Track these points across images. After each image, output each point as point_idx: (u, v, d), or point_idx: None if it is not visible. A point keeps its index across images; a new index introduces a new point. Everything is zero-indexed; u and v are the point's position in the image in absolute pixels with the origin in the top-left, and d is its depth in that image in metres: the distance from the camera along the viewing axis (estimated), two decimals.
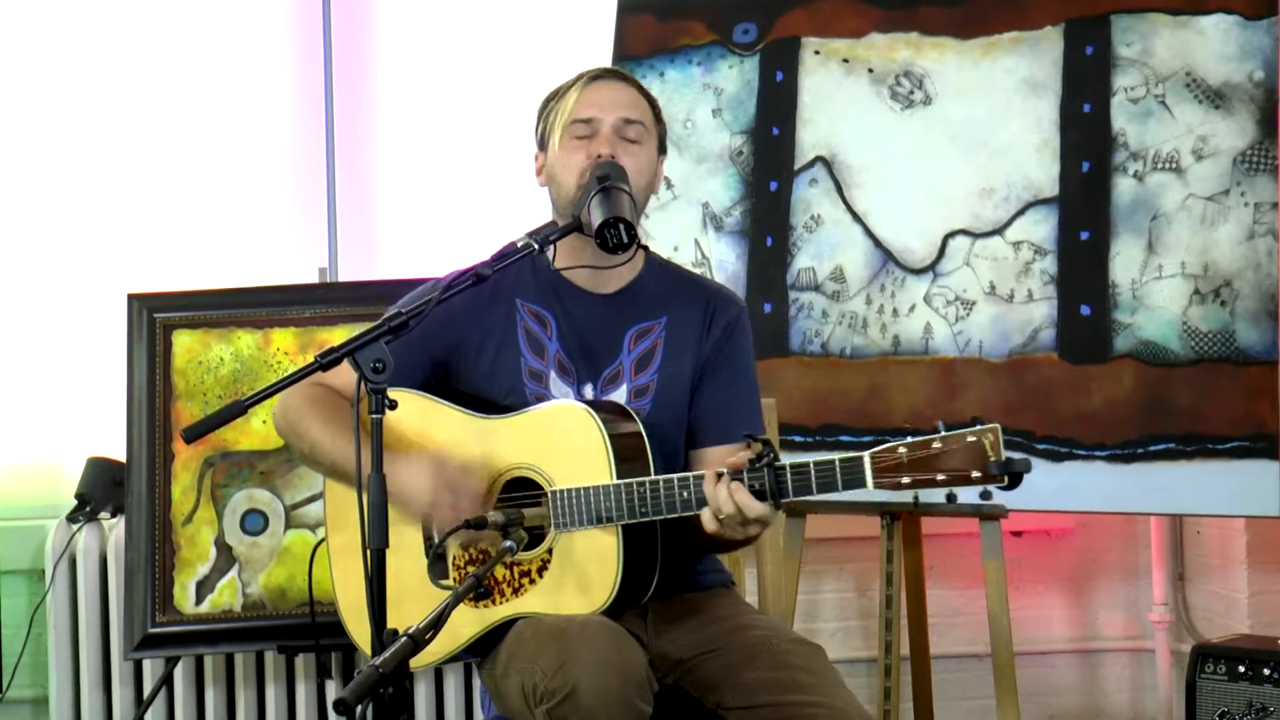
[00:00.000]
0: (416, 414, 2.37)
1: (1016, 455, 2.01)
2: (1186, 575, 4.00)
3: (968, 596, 4.00)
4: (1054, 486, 3.22)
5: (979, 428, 2.02)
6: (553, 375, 2.40)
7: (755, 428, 2.46)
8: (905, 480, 2.04)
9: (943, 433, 2.04)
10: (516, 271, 2.39)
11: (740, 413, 2.44)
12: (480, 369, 2.42)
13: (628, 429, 2.29)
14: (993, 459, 2.00)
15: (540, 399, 2.38)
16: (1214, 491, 3.14)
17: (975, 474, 2.01)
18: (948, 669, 3.92)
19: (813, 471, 2.11)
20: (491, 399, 2.40)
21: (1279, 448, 3.09)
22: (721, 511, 2.14)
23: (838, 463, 2.09)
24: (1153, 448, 3.18)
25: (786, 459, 2.15)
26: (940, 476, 2.03)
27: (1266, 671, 3.22)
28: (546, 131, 2.46)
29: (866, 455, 2.07)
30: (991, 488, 2.02)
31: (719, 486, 2.15)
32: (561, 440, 2.28)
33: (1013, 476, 2.00)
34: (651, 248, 2.54)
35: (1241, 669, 3.25)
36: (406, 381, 2.39)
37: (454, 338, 2.42)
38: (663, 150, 2.50)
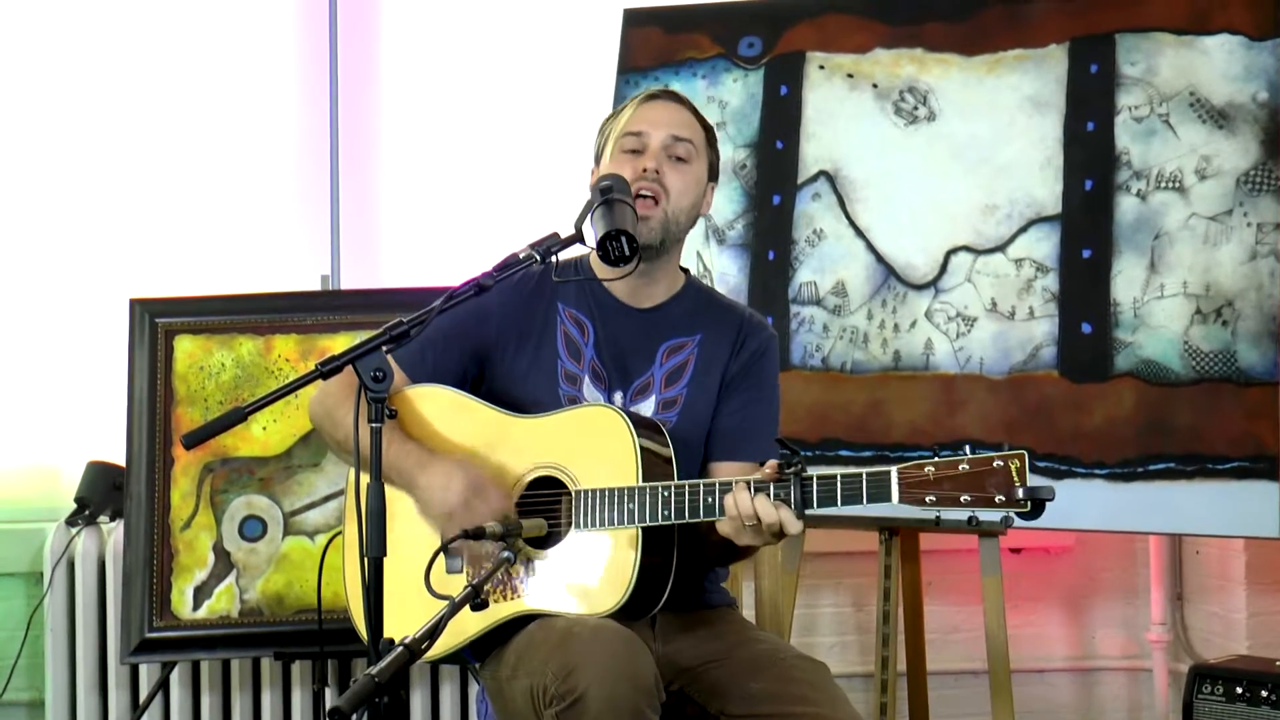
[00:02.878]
0: (448, 409, 2.39)
1: (1042, 483, 2.00)
2: (1185, 595, 3.99)
3: (965, 613, 4.00)
4: (1053, 504, 3.20)
5: (1007, 452, 2.02)
6: (587, 380, 2.44)
7: (766, 452, 2.47)
8: (930, 498, 2.05)
9: (970, 454, 2.04)
10: (561, 275, 2.45)
11: (754, 434, 2.47)
12: (518, 367, 2.45)
13: (658, 442, 2.31)
14: (1018, 484, 2.01)
15: (573, 401, 2.42)
16: (1213, 512, 3.13)
17: (999, 498, 2.02)
18: (944, 685, 3.92)
19: (839, 484, 2.11)
20: (522, 400, 2.43)
21: (1279, 469, 3.09)
22: (743, 518, 2.14)
23: (865, 476, 2.10)
24: (1152, 467, 3.18)
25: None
26: (965, 497, 2.03)
27: (1264, 693, 3.21)
28: (602, 145, 2.52)
29: (894, 470, 2.07)
30: (1014, 513, 2.02)
31: (743, 494, 2.14)
32: (591, 442, 2.30)
33: (1035, 504, 2.00)
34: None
35: (1239, 690, 3.25)
36: (444, 377, 2.43)
37: (493, 333, 2.45)
38: (713, 177, 2.54)
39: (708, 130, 2.53)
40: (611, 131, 2.50)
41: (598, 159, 2.53)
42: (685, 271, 2.56)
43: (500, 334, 2.45)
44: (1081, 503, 3.21)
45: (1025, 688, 3.87)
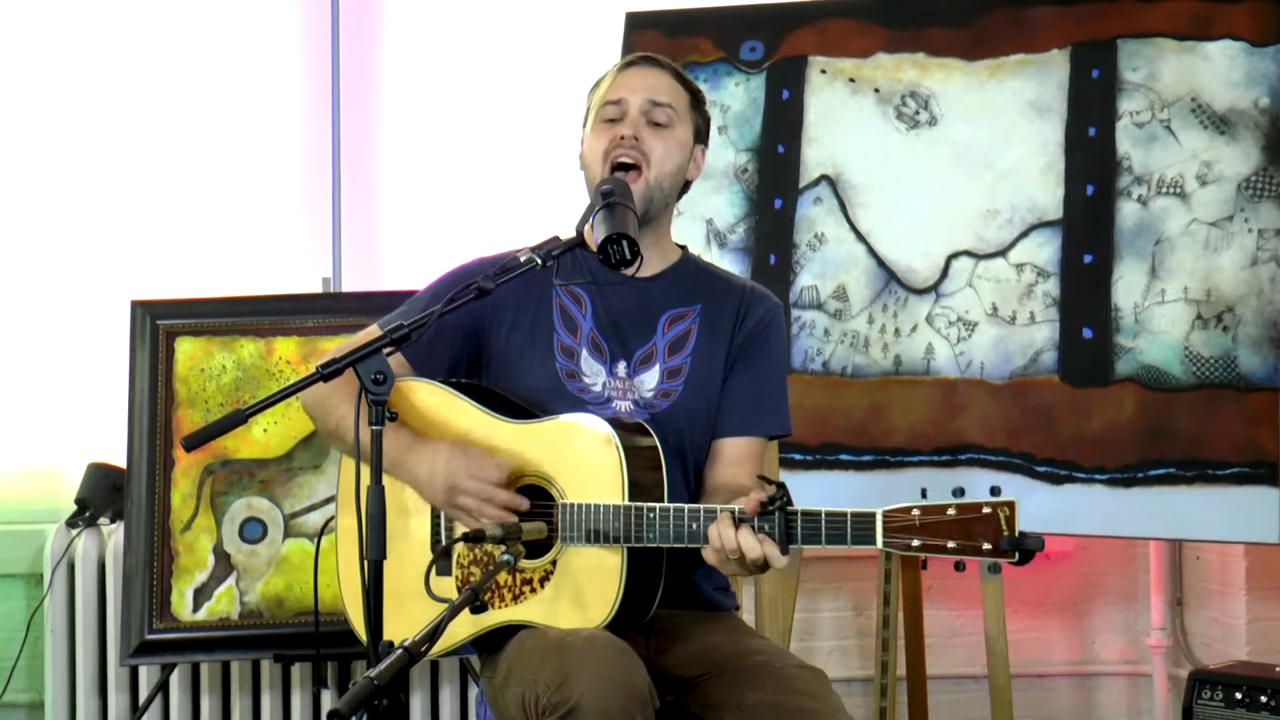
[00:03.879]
0: (440, 405, 2.38)
1: (1031, 532, 1.99)
2: (1185, 600, 3.99)
3: (965, 617, 4.00)
4: (1053, 509, 3.22)
5: (996, 500, 2.01)
6: (584, 353, 2.42)
7: (779, 424, 2.48)
8: (915, 543, 2.04)
9: (959, 500, 2.04)
10: (558, 261, 2.42)
11: (765, 406, 2.46)
12: (514, 344, 2.44)
13: (646, 451, 2.29)
14: (1005, 534, 1.99)
15: (571, 375, 2.40)
16: (1213, 517, 3.14)
17: (986, 546, 2.00)
18: (944, 690, 3.92)
19: (823, 522, 2.10)
20: (519, 379, 2.42)
21: (1279, 474, 3.09)
22: (727, 551, 2.13)
23: (850, 516, 2.09)
24: (1153, 472, 3.18)
25: (785, 476, 2.14)
26: (950, 544, 2.02)
27: (1264, 699, 3.21)
28: (586, 116, 2.50)
29: (879, 513, 2.06)
30: (1001, 561, 2.02)
31: (727, 528, 2.13)
32: (579, 454, 2.28)
33: (1024, 553, 1.99)
34: None
35: (1239, 696, 3.25)
36: (440, 357, 2.43)
37: (488, 311, 2.44)
38: (701, 140, 2.51)
39: (692, 92, 2.49)
40: (594, 100, 2.48)
41: (585, 124, 2.51)
42: (683, 248, 2.55)
43: (495, 313, 2.44)
44: (1082, 508, 3.21)
45: (1025, 692, 3.87)
